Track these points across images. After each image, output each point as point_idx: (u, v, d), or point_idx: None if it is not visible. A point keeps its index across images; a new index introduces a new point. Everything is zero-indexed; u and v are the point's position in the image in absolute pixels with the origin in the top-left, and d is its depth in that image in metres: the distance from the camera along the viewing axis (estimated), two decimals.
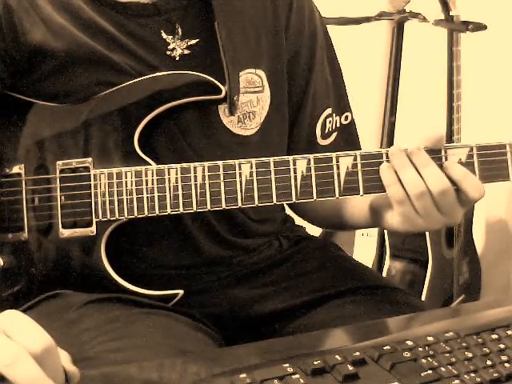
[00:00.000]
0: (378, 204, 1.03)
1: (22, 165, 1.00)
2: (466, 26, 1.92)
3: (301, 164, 0.98)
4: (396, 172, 0.96)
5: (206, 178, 0.98)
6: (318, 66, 1.18)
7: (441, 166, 0.96)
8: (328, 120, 1.19)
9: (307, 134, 1.18)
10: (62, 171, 1.00)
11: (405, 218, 0.98)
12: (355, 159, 0.98)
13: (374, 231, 2.16)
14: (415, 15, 2.05)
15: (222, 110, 1.07)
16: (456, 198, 0.96)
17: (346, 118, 1.22)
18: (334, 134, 1.20)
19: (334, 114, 1.20)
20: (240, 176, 0.98)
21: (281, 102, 1.14)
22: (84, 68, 1.02)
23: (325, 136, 1.19)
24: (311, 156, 0.98)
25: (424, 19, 2.02)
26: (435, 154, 0.97)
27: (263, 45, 1.12)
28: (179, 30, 1.06)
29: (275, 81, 1.13)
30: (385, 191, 0.98)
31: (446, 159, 0.98)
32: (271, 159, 0.98)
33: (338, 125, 1.20)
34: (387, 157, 0.98)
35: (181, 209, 0.98)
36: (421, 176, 0.95)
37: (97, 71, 1.02)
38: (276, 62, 1.13)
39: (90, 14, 1.03)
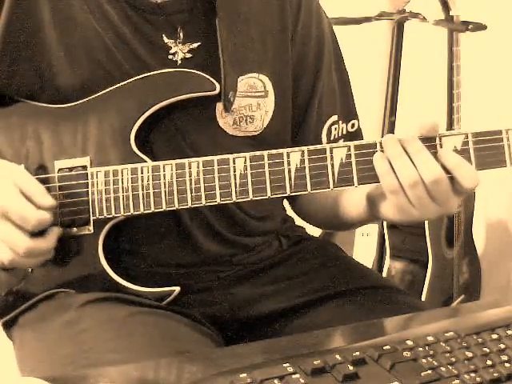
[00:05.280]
0: (373, 195, 1.03)
1: (22, 165, 1.00)
2: (466, 25, 1.92)
3: (294, 156, 0.98)
4: (389, 161, 0.96)
5: (201, 173, 0.98)
6: (324, 73, 1.18)
7: (435, 155, 0.95)
8: (334, 127, 1.19)
9: (312, 140, 1.18)
10: (60, 170, 1.00)
11: (399, 209, 0.96)
12: (349, 150, 0.97)
13: (374, 231, 2.16)
14: (415, 15, 2.05)
15: (220, 111, 1.07)
16: (450, 187, 0.95)
17: (353, 125, 1.22)
18: (341, 142, 1.20)
19: (340, 122, 1.20)
20: (234, 170, 0.98)
21: (285, 107, 1.14)
22: (86, 60, 1.02)
23: (330, 142, 1.19)
24: (305, 148, 0.98)
25: (424, 19, 2.02)
26: (430, 142, 0.96)
27: (269, 50, 1.11)
28: (181, 34, 1.06)
29: (280, 86, 1.12)
30: (379, 181, 0.97)
31: (441, 147, 0.96)
32: (265, 153, 0.98)
33: (344, 132, 1.20)
34: (381, 147, 0.97)
35: (176, 205, 0.98)
36: (414, 165, 0.94)
37: (99, 66, 1.02)
38: (282, 68, 1.13)
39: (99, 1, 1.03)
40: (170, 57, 1.05)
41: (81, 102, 1.02)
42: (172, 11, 1.06)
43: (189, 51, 1.06)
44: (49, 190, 0.99)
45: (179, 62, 1.06)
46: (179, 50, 1.06)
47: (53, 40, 1.02)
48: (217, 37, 1.06)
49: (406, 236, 2.12)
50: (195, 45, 1.06)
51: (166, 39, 1.05)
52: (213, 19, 1.07)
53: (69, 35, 1.02)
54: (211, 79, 1.02)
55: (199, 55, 1.06)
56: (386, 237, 2.13)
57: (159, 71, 1.03)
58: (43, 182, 0.99)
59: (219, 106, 1.07)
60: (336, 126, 1.19)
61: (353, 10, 2.03)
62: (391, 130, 2.13)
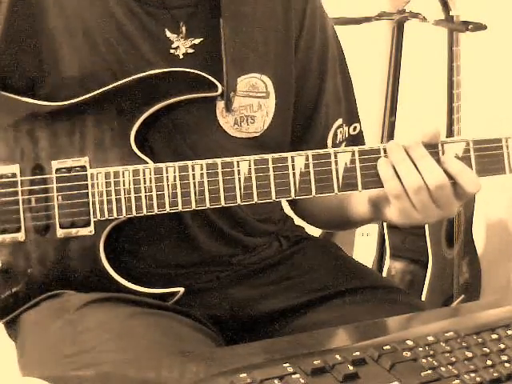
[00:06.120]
0: (376, 198, 1.04)
1: (17, 165, 1.00)
2: (466, 25, 1.92)
3: (299, 161, 0.98)
4: (394, 167, 0.97)
5: (205, 175, 0.98)
6: (329, 77, 1.18)
7: (438, 161, 0.97)
8: (339, 130, 1.20)
9: (318, 143, 1.18)
10: (57, 170, 0.99)
11: (402, 212, 0.98)
12: (353, 155, 0.98)
13: (374, 231, 2.16)
14: (415, 15, 2.05)
15: (220, 110, 1.07)
16: (452, 192, 0.97)
17: (355, 128, 1.22)
18: (343, 145, 1.20)
19: (343, 125, 1.20)
20: (238, 173, 0.98)
21: (285, 110, 1.14)
22: (87, 52, 1.02)
23: (335, 146, 1.19)
24: (309, 152, 0.98)
25: (424, 19, 2.02)
26: (432, 149, 0.97)
27: (271, 51, 1.11)
28: (183, 29, 1.06)
29: (281, 88, 1.12)
30: (383, 186, 0.98)
31: (443, 154, 0.98)
32: (269, 156, 0.98)
33: (346, 135, 1.21)
34: (385, 152, 0.98)
35: (180, 207, 0.98)
36: (418, 170, 0.96)
37: (99, 58, 1.02)
38: (284, 70, 1.13)
39: None
40: (172, 51, 1.05)
41: (78, 99, 1.01)
42: (176, 6, 1.06)
43: (191, 46, 1.06)
44: (47, 190, 0.99)
45: (181, 56, 1.05)
46: (181, 45, 1.05)
47: (55, 31, 1.02)
48: (219, 33, 1.06)
49: (406, 236, 2.12)
50: (197, 40, 1.06)
51: (168, 33, 1.05)
52: (216, 16, 1.07)
53: (70, 26, 1.02)
54: (214, 80, 1.02)
55: (201, 51, 1.06)
56: (386, 237, 2.13)
57: (160, 70, 1.02)
58: (41, 182, 0.99)
59: (219, 106, 1.07)
60: (341, 129, 1.20)
61: (353, 10, 2.03)
62: (391, 130, 2.13)
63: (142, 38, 1.04)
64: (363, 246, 2.17)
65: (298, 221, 1.29)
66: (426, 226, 2.08)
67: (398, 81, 2.13)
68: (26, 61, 1.02)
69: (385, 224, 2.11)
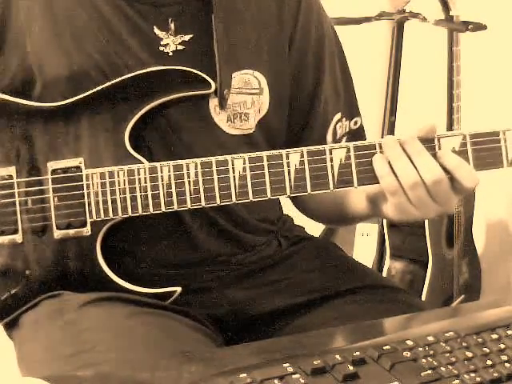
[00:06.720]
0: (373, 194, 1.03)
1: (13, 167, 1.00)
2: (466, 25, 1.92)
3: (294, 158, 0.98)
4: (389, 163, 0.96)
5: (199, 174, 0.98)
6: (327, 72, 1.18)
7: (434, 156, 0.96)
8: (338, 125, 1.19)
9: (318, 140, 1.17)
10: (53, 172, 0.99)
11: (399, 208, 0.97)
12: (348, 151, 0.98)
13: (374, 231, 2.16)
14: (415, 15, 2.05)
15: (213, 107, 1.07)
16: (450, 187, 0.96)
17: (356, 122, 1.21)
18: (344, 139, 1.20)
19: (343, 119, 1.20)
20: (233, 171, 0.98)
21: (280, 106, 1.14)
22: (75, 50, 1.02)
23: (336, 141, 1.19)
24: (304, 149, 0.98)
25: (424, 19, 2.02)
26: (428, 143, 0.97)
27: (265, 47, 1.11)
28: (172, 26, 1.05)
29: (275, 85, 1.12)
30: (379, 182, 0.97)
31: (440, 148, 0.97)
32: (264, 154, 0.98)
33: (347, 129, 1.20)
34: (380, 148, 0.97)
35: (175, 206, 0.98)
36: (414, 166, 0.95)
37: (88, 57, 1.02)
38: (278, 66, 1.12)
39: None
40: (162, 48, 1.05)
41: (71, 100, 1.01)
42: (165, 3, 1.05)
43: (181, 43, 1.06)
44: (43, 192, 0.99)
45: (170, 53, 1.05)
46: (171, 42, 1.05)
47: (42, 30, 1.02)
48: (210, 29, 1.05)
49: (406, 236, 2.12)
50: (187, 37, 1.06)
51: (156, 31, 1.05)
52: (207, 13, 1.06)
53: (58, 26, 1.02)
54: (207, 78, 1.01)
55: (191, 48, 1.06)
56: (386, 237, 2.13)
57: (154, 68, 1.02)
58: (37, 183, 0.99)
59: (212, 103, 1.06)
60: (340, 123, 1.19)
61: (353, 10, 2.03)
62: (391, 130, 2.13)
63: (131, 36, 1.04)
64: (363, 246, 2.17)
65: (297, 221, 1.29)
66: (426, 226, 2.08)
67: (398, 81, 2.13)
68: (15, 63, 1.02)
69: (385, 224, 2.11)
